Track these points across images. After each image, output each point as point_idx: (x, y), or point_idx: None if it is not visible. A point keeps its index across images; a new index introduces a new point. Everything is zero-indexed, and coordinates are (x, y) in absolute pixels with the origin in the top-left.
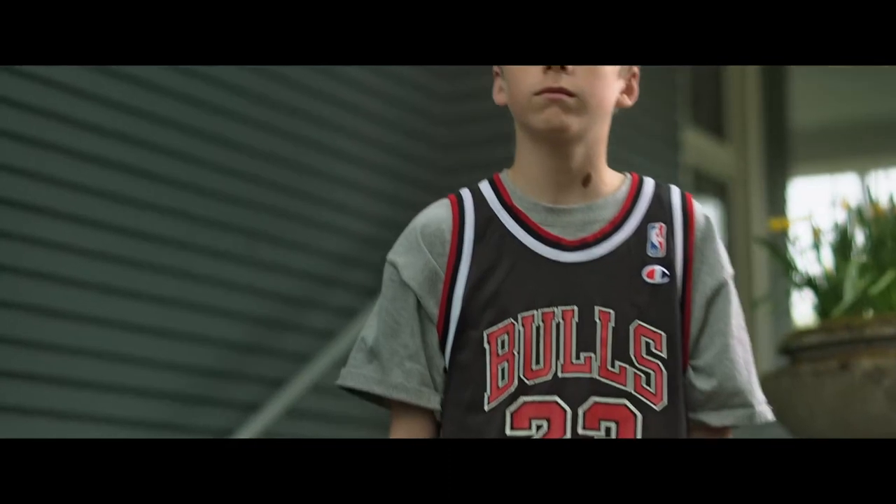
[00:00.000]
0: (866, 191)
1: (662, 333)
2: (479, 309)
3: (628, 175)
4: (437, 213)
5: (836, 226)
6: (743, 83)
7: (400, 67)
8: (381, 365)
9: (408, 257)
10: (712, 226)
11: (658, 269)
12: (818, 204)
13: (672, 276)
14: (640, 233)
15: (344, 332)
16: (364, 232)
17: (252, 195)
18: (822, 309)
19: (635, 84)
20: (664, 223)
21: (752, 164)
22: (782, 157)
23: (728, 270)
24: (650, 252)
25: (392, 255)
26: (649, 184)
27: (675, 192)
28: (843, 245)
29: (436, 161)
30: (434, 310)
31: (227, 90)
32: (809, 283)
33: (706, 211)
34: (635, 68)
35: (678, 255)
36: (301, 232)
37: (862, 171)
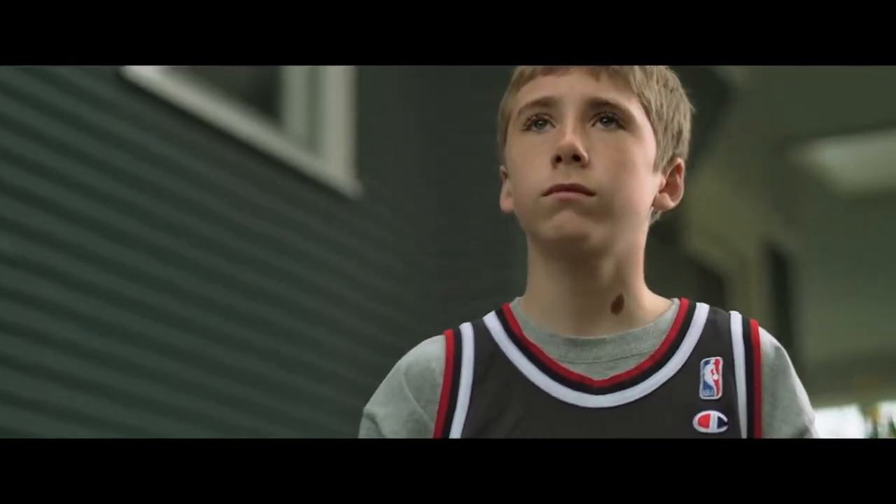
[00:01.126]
0: None
1: None
2: None
3: (676, 300)
4: (427, 350)
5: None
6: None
7: (379, 287)
8: None
9: (388, 408)
10: (786, 359)
11: (714, 415)
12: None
13: (732, 423)
14: (690, 369)
15: None
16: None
17: (229, 418)
18: None
19: (680, 180)
20: (721, 356)
21: None
22: None
23: (808, 414)
24: (703, 394)
25: (370, 406)
26: (702, 310)
27: (736, 319)
28: None
29: None
30: None
31: (208, 308)
32: None
33: (777, 342)
34: (679, 160)
35: (741, 397)
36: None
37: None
